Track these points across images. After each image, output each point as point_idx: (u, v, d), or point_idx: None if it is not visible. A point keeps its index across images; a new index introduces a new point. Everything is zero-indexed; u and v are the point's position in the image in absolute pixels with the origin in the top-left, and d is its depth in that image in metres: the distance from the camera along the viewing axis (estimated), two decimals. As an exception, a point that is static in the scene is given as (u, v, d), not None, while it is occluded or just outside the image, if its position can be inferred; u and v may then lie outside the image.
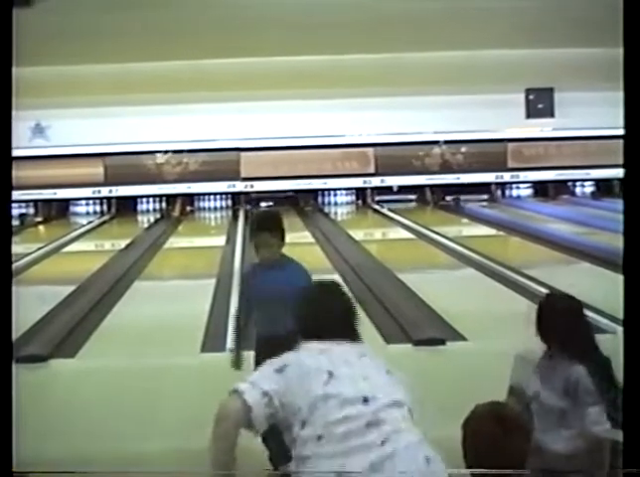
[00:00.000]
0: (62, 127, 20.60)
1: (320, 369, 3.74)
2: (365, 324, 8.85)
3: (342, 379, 3.74)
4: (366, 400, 3.67)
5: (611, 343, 7.26)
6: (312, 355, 3.81)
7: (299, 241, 16.37)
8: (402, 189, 22.51)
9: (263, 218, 6.17)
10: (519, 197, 23.12)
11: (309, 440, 3.59)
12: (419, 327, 8.25)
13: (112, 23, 11.60)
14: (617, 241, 12.52)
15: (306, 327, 3.99)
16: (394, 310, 9.27)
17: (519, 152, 22.46)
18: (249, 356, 5.71)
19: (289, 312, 4.47)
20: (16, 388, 3.26)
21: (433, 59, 15.02)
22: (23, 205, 21.05)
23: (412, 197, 22.68)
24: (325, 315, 4.00)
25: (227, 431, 3.60)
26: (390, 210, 20.80)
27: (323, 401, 3.65)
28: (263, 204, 21.84)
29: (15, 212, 20.53)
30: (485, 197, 22.59)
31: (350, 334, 4.05)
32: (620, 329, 7.70)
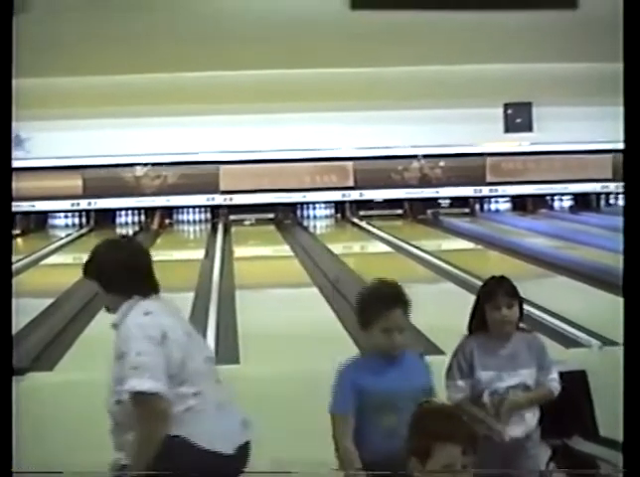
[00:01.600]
0: (41, 139, 20.55)
1: (178, 330, 4.02)
2: (343, 337, 8.91)
3: (194, 336, 4.20)
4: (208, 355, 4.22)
5: (587, 356, 7.32)
6: (167, 317, 4.06)
7: (278, 255, 16.40)
8: (380, 203, 22.57)
9: (398, 289, 4.48)
10: (497, 211, 23.21)
11: (189, 396, 3.92)
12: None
13: (91, 36, 11.60)
14: (595, 256, 12.63)
15: (135, 284, 4.17)
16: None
17: (497, 166, 22.56)
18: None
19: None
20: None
21: (412, 73, 15.07)
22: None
23: (399, 211, 22.73)
24: (139, 270, 4.24)
25: (163, 431, 3.80)
26: (369, 223, 20.83)
27: (192, 359, 3.99)
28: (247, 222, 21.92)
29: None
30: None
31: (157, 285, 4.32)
32: (595, 342, 7.76)
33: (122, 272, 4.09)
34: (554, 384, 4.56)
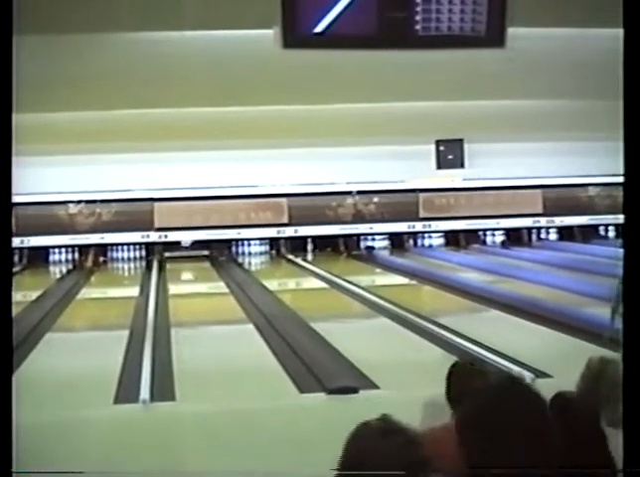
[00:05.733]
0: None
1: None
2: (279, 373, 8.93)
3: None
4: None
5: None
6: None
7: (213, 292, 16.38)
8: (317, 240, 22.69)
9: None
10: (431, 246, 23.40)
11: None
12: (333, 376, 8.31)
13: (25, 73, 11.57)
14: (527, 289, 12.77)
15: None
16: (307, 359, 9.31)
17: (430, 202, 22.80)
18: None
19: None
20: None
21: (346, 111, 15.20)
22: None
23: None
24: None
25: None
26: (304, 260, 20.93)
27: None
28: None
29: None
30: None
31: None
32: (528, 375, 7.86)
33: None
34: None
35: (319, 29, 8.63)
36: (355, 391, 7.67)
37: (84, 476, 4.22)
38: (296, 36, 8.58)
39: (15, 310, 13.74)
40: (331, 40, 8.72)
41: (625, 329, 3.61)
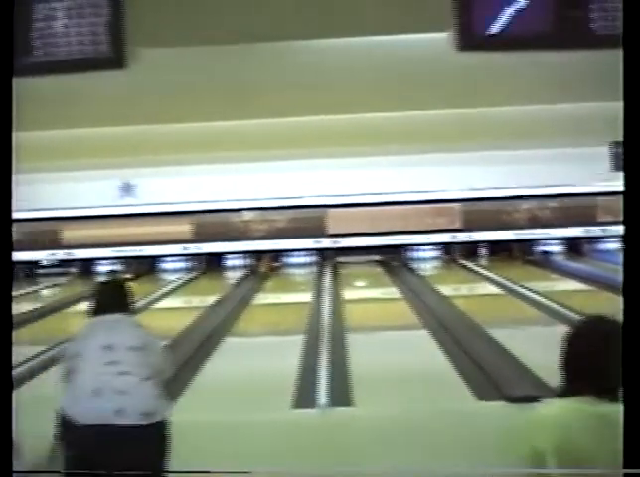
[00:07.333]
0: (149, 186, 20.94)
1: None
2: (455, 379, 8.83)
3: None
4: None
5: None
6: None
7: (386, 297, 16.37)
8: (488, 245, 22.45)
9: None
10: (609, 251, 22.80)
11: None
12: (512, 383, 8.16)
13: (194, 84, 11.82)
14: None
15: None
16: (484, 366, 9.18)
17: (608, 206, 22.22)
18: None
19: None
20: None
21: (520, 114, 15.01)
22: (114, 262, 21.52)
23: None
24: None
25: None
26: (477, 265, 20.70)
27: None
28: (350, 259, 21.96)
29: (104, 269, 21.05)
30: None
31: None
32: None
33: None
34: None
35: (494, 30, 8.51)
36: (537, 399, 7.50)
37: (89, 476, 4.25)
38: (471, 38, 8.49)
39: (193, 315, 14.05)
40: (506, 41, 8.58)
41: (624, 334, 3.67)
